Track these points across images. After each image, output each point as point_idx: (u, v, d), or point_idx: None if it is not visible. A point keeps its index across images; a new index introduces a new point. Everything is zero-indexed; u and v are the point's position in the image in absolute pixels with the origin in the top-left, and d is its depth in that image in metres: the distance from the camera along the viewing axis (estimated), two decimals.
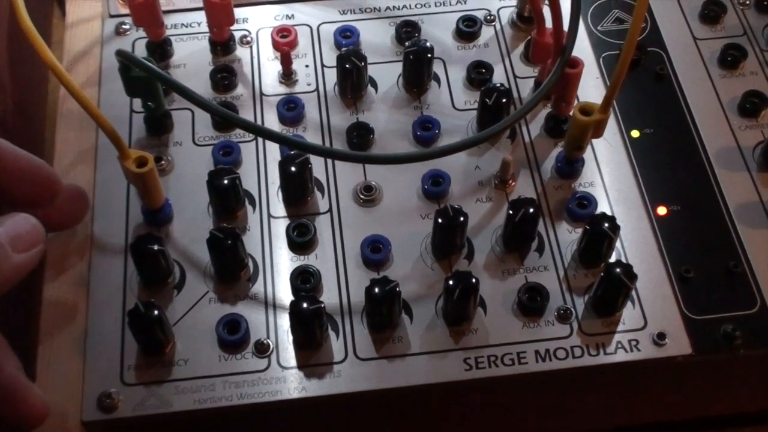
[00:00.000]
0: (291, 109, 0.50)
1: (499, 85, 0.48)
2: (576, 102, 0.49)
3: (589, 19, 0.55)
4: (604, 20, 0.55)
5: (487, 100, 0.47)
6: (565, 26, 0.46)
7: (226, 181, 0.44)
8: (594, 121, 0.44)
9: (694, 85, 0.52)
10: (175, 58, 0.53)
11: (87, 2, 0.55)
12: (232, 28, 0.53)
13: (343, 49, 0.51)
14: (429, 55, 0.50)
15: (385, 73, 0.52)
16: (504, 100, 0.47)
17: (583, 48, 0.53)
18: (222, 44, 0.52)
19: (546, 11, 0.47)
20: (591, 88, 0.52)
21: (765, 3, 0.55)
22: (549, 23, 0.46)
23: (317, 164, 0.47)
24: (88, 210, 0.45)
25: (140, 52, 0.53)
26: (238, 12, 0.53)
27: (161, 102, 0.48)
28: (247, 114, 0.50)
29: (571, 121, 0.45)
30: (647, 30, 0.54)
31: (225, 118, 0.45)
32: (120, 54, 0.44)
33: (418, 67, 0.50)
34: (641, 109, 0.51)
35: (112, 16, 0.54)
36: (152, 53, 0.52)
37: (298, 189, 0.46)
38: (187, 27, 0.54)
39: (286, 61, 0.51)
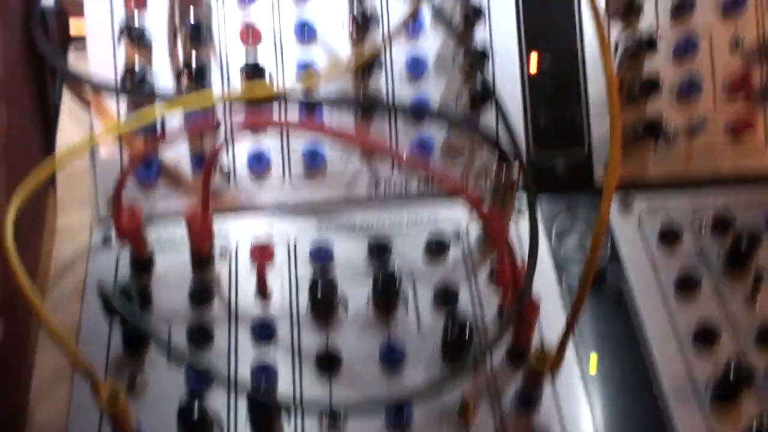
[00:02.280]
0: (264, 328, 0.52)
1: (461, 321, 0.50)
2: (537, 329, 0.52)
3: (552, 239, 0.58)
4: (568, 237, 0.58)
5: (448, 336, 0.50)
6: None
7: (196, 417, 0.46)
8: (548, 369, 0.46)
9: (652, 314, 0.54)
10: (157, 269, 0.55)
11: (77, 212, 0.58)
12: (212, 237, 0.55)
13: (318, 266, 0.54)
14: (396, 284, 0.52)
15: (357, 289, 0.54)
16: (466, 336, 0.50)
17: (545, 271, 0.56)
18: (202, 260, 0.55)
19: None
20: (554, 310, 0.54)
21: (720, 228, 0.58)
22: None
23: (285, 381, 0.50)
24: None
25: (125, 262, 0.55)
26: (220, 223, 0.56)
27: (139, 325, 0.51)
28: (221, 331, 0.52)
29: (525, 368, 0.47)
30: (608, 257, 0.57)
31: (196, 370, 0.48)
32: (100, 289, 0.46)
33: (385, 293, 0.53)
34: (599, 338, 0.53)
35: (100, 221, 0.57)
36: (136, 267, 0.55)
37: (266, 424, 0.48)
38: (169, 241, 0.56)
39: (261, 278, 0.54)
